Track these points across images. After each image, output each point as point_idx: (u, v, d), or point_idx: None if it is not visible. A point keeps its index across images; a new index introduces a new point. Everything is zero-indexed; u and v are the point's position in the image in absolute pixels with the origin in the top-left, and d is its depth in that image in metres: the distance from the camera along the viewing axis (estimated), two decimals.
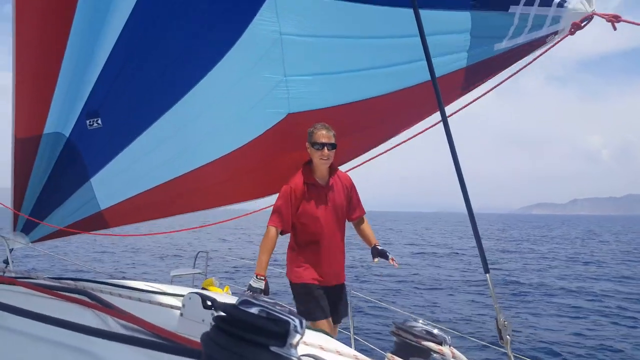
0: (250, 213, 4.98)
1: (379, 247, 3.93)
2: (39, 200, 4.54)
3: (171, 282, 5.75)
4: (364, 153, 4.31)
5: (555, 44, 3.12)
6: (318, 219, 3.85)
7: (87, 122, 4.15)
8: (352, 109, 3.77)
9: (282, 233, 3.88)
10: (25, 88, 4.00)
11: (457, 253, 31.32)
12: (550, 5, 2.99)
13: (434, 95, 3.47)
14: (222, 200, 4.58)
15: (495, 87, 3.38)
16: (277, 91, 3.89)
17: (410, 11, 3.08)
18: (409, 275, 20.09)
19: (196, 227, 5.89)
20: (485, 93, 3.45)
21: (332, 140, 3.76)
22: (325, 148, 3.74)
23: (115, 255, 25.77)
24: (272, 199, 4.04)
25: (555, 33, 3.06)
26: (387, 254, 3.88)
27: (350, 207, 4.10)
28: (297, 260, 3.94)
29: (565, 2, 2.96)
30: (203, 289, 5.74)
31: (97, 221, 4.63)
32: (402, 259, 27.07)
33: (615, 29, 2.80)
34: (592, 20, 2.92)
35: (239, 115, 4.04)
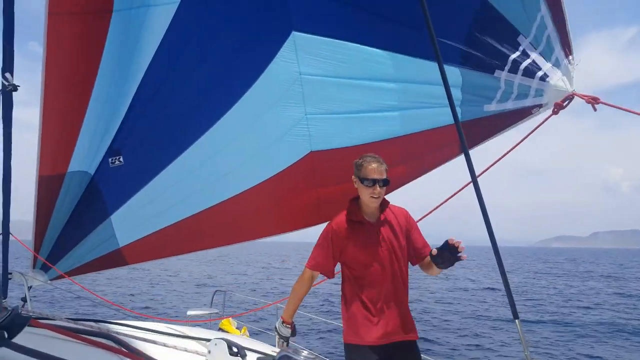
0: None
1: (441, 250, 3.06)
2: (60, 237, 4.56)
3: (187, 319, 5.67)
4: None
5: (543, 122, 3.14)
6: (369, 264, 3.21)
7: (110, 160, 4.21)
8: (373, 148, 3.75)
9: (326, 275, 3.37)
10: (52, 126, 4.08)
11: (490, 289, 30.26)
12: (533, 77, 3.04)
13: (450, 139, 3.47)
14: (242, 236, 4.55)
15: (502, 157, 3.35)
16: (298, 129, 3.91)
17: (425, 61, 3.24)
18: (445, 313, 19.39)
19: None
20: (498, 159, 3.42)
21: (384, 176, 3.25)
22: (377, 185, 3.21)
23: (131, 288, 25.73)
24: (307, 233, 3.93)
25: (540, 106, 3.10)
26: (452, 248, 2.99)
27: (412, 247, 3.35)
28: (348, 314, 3.27)
29: (548, 77, 3.00)
30: (220, 329, 5.65)
31: (115, 259, 4.62)
32: (433, 294, 26.37)
33: (595, 109, 2.86)
34: (573, 99, 2.96)
35: (260, 152, 4.06)
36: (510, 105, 3.20)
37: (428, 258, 3.20)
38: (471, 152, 2.99)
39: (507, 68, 3.11)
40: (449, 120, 3.36)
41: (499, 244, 2.46)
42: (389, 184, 3.27)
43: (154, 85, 3.92)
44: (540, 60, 3.03)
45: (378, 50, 3.51)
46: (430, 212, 3.90)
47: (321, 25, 3.58)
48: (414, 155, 3.85)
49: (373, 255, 3.20)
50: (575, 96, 2.95)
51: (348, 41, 3.54)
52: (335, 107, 3.80)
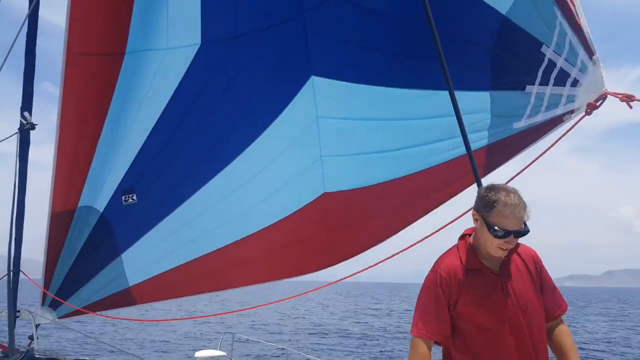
0: (325, 285, 4.70)
1: None
2: (69, 275, 4.53)
3: None
4: (398, 231, 4.15)
5: (575, 124, 3.10)
6: (492, 328, 2.25)
7: (123, 197, 4.21)
8: (389, 187, 3.72)
9: (443, 343, 2.35)
10: (65, 163, 4.12)
11: None
12: (564, 85, 3.03)
13: (466, 170, 3.43)
14: (255, 277, 4.48)
15: (524, 169, 3.30)
16: (312, 170, 3.92)
17: (439, 93, 3.24)
18: None
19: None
20: (517, 174, 3.37)
21: (523, 224, 2.22)
22: (511, 236, 2.20)
23: (136, 331, 25.37)
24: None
25: (572, 112, 3.08)
26: None
27: (543, 300, 2.35)
28: None
29: (579, 81, 2.99)
30: None
31: (124, 298, 4.56)
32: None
33: (630, 107, 2.77)
34: (607, 99, 2.93)
35: (274, 192, 4.05)
36: (540, 117, 3.18)
37: (558, 333, 2.34)
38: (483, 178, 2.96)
39: (537, 81, 3.09)
40: (458, 152, 3.39)
41: None
42: (529, 232, 2.24)
43: (170, 125, 3.96)
44: (567, 67, 3.01)
45: (395, 89, 3.52)
46: (434, 233, 3.76)
47: (339, 70, 3.64)
48: (432, 188, 3.81)
49: (497, 317, 2.24)
50: (609, 95, 2.90)
51: (365, 83, 3.57)
52: (350, 148, 3.81)
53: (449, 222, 3.49)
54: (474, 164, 2.54)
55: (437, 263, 2.38)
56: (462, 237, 2.45)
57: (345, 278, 4.26)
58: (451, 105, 2.66)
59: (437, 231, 3.53)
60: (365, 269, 4.05)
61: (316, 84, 3.70)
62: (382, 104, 3.58)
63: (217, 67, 3.79)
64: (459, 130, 2.68)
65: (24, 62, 4.40)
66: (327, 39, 3.61)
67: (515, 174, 3.13)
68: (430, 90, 3.40)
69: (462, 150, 3.26)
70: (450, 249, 2.42)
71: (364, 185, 3.88)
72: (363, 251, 4.15)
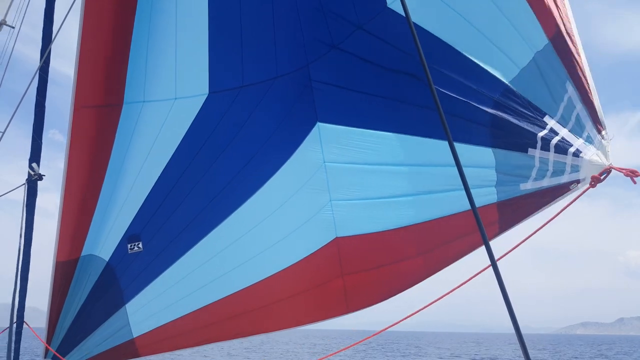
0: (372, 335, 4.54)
1: None
2: (73, 326, 4.46)
3: None
4: (418, 282, 3.93)
5: (580, 195, 3.06)
6: None
7: (128, 246, 4.20)
8: (400, 234, 3.69)
9: None
10: (70, 213, 4.13)
11: None
12: (565, 154, 2.99)
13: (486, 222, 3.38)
14: (264, 326, 4.38)
15: (533, 234, 3.27)
16: (323, 214, 3.91)
17: (444, 142, 3.26)
18: None
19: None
20: (527, 238, 3.34)
21: None
22: None
23: None
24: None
25: (578, 181, 3.03)
26: None
27: None
28: None
29: (581, 152, 2.95)
30: None
31: (127, 350, 4.47)
32: None
33: (634, 182, 2.77)
34: (611, 172, 2.89)
35: (283, 238, 4.02)
36: (546, 182, 3.14)
37: None
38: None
39: (538, 146, 3.07)
40: (481, 202, 3.29)
41: (523, 330, 2.29)
42: None
43: (178, 172, 3.99)
44: (570, 137, 2.98)
45: (400, 135, 3.55)
46: (444, 295, 3.68)
47: (343, 116, 3.69)
48: (451, 237, 3.73)
49: None
50: (613, 169, 2.87)
51: (370, 129, 3.62)
52: (360, 193, 3.81)
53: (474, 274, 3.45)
54: (478, 216, 2.49)
55: None
56: None
57: (389, 327, 4.06)
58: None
59: (463, 283, 3.47)
60: (405, 318, 3.91)
61: (322, 130, 3.75)
62: (390, 149, 3.61)
63: (224, 116, 3.86)
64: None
65: (33, 113, 4.49)
66: (330, 86, 3.68)
67: (525, 237, 3.11)
68: (434, 139, 3.43)
69: (479, 201, 3.25)
70: None
71: (376, 230, 3.85)
72: (383, 300, 4.02)
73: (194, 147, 3.93)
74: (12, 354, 4.18)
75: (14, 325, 4.48)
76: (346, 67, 3.59)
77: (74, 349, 4.51)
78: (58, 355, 4.46)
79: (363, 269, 3.92)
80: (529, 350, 2.19)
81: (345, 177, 3.80)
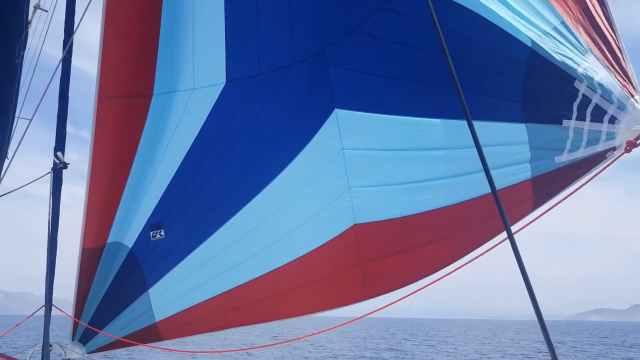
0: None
1: None
2: (98, 310, 4.59)
3: None
4: (443, 267, 3.87)
5: (613, 161, 3.03)
6: None
7: (151, 233, 4.30)
8: (419, 220, 3.69)
9: None
10: (95, 201, 4.25)
11: None
12: (602, 122, 2.95)
13: (515, 202, 3.35)
14: (285, 312, 4.44)
15: (557, 203, 3.26)
16: (341, 201, 3.94)
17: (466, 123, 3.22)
18: None
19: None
20: (553, 206, 3.32)
21: None
22: None
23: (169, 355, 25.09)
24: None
25: (614, 149, 2.98)
26: None
27: None
28: None
29: (616, 119, 2.90)
30: None
31: (151, 334, 4.59)
32: None
33: None
34: None
35: (302, 224, 4.07)
36: (581, 153, 3.10)
37: None
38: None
39: (574, 116, 3.03)
40: (502, 183, 3.27)
41: (534, 318, 2.30)
42: None
43: (197, 161, 4.07)
44: (604, 103, 2.92)
45: (419, 119, 3.53)
46: (452, 271, 3.69)
47: (361, 101, 3.69)
48: (465, 226, 3.71)
49: None
50: None
51: (388, 114, 3.61)
52: (378, 179, 3.82)
53: (475, 256, 3.47)
54: (498, 199, 2.47)
55: None
56: None
57: (373, 312, 4.13)
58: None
59: (463, 265, 3.49)
60: (391, 303, 3.98)
61: (340, 116, 3.77)
62: (408, 134, 3.60)
63: (241, 105, 3.91)
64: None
65: (57, 105, 4.59)
66: (348, 71, 3.68)
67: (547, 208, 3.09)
68: (457, 119, 3.39)
69: (500, 182, 3.24)
70: None
71: (395, 216, 3.86)
72: (404, 285, 3.98)
73: (213, 136, 4.00)
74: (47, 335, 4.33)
75: (46, 307, 4.63)
76: (366, 51, 3.56)
77: (98, 333, 4.66)
78: (90, 327, 4.58)
79: (383, 254, 3.95)
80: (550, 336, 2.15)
81: (365, 163, 3.81)
